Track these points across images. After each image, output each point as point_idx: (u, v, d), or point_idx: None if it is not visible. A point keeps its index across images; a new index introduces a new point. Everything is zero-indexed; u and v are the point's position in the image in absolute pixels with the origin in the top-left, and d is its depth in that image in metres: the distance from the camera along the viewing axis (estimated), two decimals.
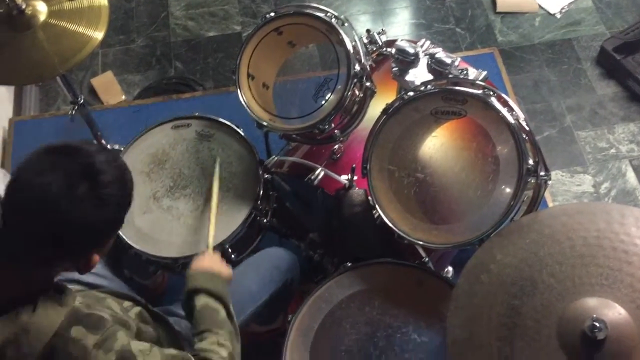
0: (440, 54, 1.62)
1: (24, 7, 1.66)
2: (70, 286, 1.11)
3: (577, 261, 1.14)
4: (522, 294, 1.14)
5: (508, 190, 1.44)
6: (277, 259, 1.68)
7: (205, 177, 1.74)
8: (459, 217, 1.50)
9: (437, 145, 1.54)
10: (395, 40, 1.70)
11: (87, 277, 1.45)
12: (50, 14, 1.69)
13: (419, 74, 1.66)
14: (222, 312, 1.30)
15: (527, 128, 1.45)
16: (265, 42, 1.74)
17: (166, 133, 1.84)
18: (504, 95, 1.48)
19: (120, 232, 1.63)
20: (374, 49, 1.85)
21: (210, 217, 1.62)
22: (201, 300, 1.30)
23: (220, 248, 1.62)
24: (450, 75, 1.59)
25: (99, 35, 1.69)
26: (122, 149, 1.85)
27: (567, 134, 2.56)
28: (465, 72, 1.60)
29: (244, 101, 1.72)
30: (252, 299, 1.59)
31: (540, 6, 2.92)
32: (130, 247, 1.65)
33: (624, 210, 1.20)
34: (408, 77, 1.65)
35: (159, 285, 2.04)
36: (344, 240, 1.75)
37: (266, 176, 1.75)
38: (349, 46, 1.62)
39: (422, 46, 1.74)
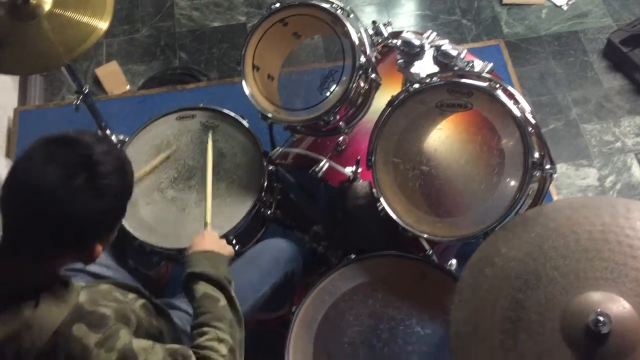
0: (446, 46, 1.61)
1: None
2: (76, 277, 1.12)
3: (582, 255, 1.14)
4: (526, 288, 1.14)
5: (513, 183, 1.44)
6: (278, 250, 1.68)
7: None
8: (463, 210, 1.49)
9: (442, 137, 1.54)
10: (400, 32, 1.69)
11: (92, 267, 1.45)
12: (55, 3, 1.68)
13: (424, 66, 1.64)
14: (222, 300, 1.28)
15: (533, 121, 1.45)
16: (270, 33, 1.74)
17: (171, 124, 1.84)
18: (510, 88, 1.48)
19: (124, 223, 1.63)
20: (380, 40, 1.84)
21: (206, 193, 1.60)
22: (200, 288, 1.28)
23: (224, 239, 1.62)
24: (455, 68, 1.58)
25: (103, 25, 1.68)
26: (126, 139, 1.85)
27: (573, 126, 2.55)
28: (471, 64, 1.59)
29: (249, 92, 1.72)
30: (253, 290, 1.58)
31: None
32: (135, 238, 1.65)
33: (630, 204, 1.19)
34: (413, 69, 1.64)
35: (163, 276, 2.04)
36: (348, 232, 1.75)
37: (270, 168, 1.75)
38: (355, 38, 1.61)
39: (427, 38, 1.73)
